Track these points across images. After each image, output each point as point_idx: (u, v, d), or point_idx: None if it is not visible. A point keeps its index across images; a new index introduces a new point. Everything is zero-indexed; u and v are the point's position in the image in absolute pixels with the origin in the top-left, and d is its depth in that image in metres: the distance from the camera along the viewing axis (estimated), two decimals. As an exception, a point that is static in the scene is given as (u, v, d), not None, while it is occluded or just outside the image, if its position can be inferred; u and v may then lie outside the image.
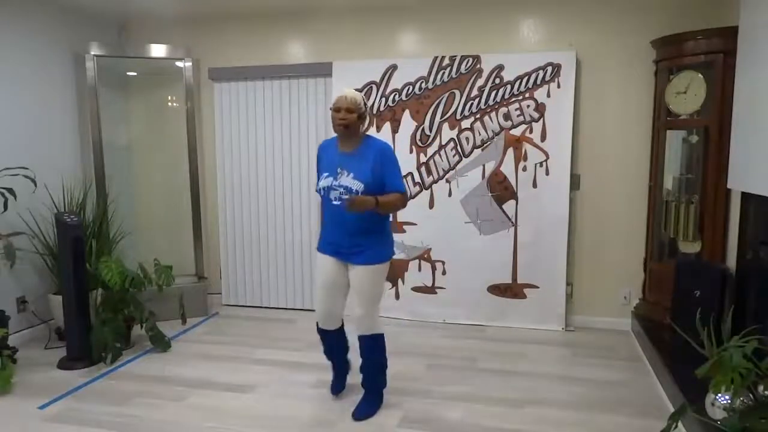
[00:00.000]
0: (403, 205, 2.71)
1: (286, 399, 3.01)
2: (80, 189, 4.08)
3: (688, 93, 3.45)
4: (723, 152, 3.24)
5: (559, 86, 3.91)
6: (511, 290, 4.14)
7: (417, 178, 4.23)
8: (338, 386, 3.02)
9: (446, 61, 4.08)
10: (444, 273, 4.25)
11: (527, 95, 3.97)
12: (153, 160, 4.77)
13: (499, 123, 4.04)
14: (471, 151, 4.10)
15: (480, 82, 4.03)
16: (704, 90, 3.38)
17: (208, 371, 3.39)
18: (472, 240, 4.14)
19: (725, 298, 3.19)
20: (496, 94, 4.02)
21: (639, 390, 3.08)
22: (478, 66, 4.03)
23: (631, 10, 3.82)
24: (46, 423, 2.77)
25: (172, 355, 3.68)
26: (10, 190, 3.36)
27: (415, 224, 4.25)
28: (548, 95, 3.93)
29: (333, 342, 2.92)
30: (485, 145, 4.07)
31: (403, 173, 4.16)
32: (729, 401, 2.08)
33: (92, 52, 4.15)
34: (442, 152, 4.15)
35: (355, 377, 2.96)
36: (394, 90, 4.19)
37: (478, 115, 4.06)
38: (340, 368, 3.01)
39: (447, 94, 4.10)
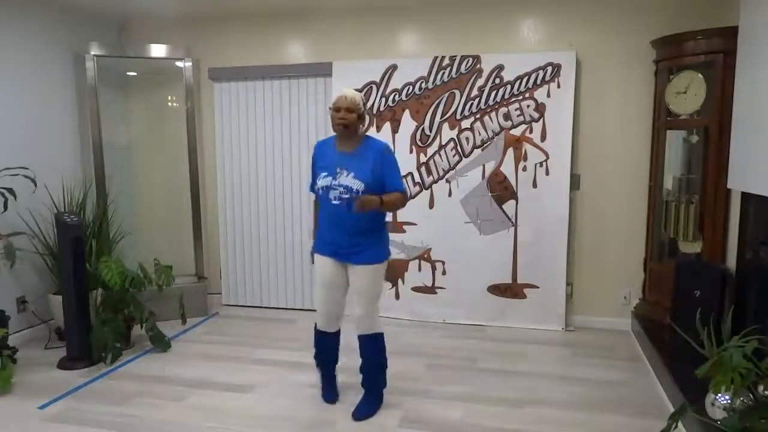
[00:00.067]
0: (403, 205, 2.73)
1: (286, 399, 3.01)
2: (80, 189, 4.08)
3: (688, 93, 3.45)
4: (723, 152, 3.24)
5: (559, 86, 3.91)
6: (511, 290, 4.14)
7: (417, 178, 4.23)
8: (332, 394, 2.97)
9: (446, 61, 4.08)
10: (444, 273, 4.25)
11: (527, 95, 3.97)
12: (153, 160, 4.77)
13: (499, 123, 4.04)
14: (471, 151, 4.10)
15: (480, 82, 4.03)
16: (704, 90, 3.38)
17: (208, 371, 3.39)
18: (472, 240, 4.14)
19: (725, 298, 3.19)
20: (496, 94, 4.02)
21: (639, 390, 3.08)
22: (478, 66, 4.03)
23: (631, 10, 3.82)
24: (46, 423, 2.77)
25: (172, 355, 3.68)
26: (10, 190, 3.36)
27: (415, 224, 4.25)
28: (548, 95, 3.93)
29: (330, 345, 2.91)
30: (485, 145, 4.07)
31: (403, 173, 4.17)
32: (729, 401, 2.08)
33: (92, 52, 4.15)
34: (442, 152, 4.15)
35: (355, 377, 2.96)
36: (394, 90, 4.19)
37: (478, 115, 4.07)
38: (331, 376, 3.00)
39: (447, 94, 4.10)
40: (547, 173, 3.99)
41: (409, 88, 4.17)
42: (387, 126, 4.23)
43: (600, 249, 4.07)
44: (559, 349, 3.74)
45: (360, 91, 4.21)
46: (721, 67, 3.26)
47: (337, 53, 4.31)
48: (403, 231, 4.26)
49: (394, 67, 4.17)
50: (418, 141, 4.19)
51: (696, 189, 3.53)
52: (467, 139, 4.10)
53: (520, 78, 3.96)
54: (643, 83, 3.84)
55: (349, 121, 2.59)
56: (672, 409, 2.64)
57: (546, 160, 3.98)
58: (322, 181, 2.63)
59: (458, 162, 4.13)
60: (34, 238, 3.77)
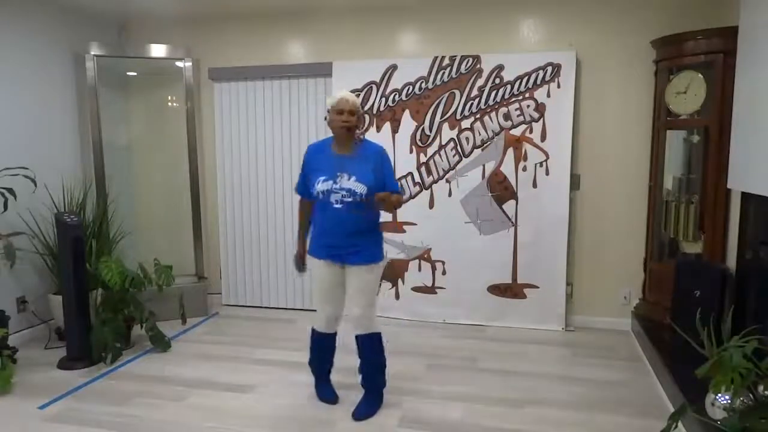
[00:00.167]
0: (400, 206, 2.96)
1: (286, 399, 3.01)
2: (80, 189, 4.08)
3: (688, 93, 3.45)
4: (723, 152, 3.24)
5: (559, 86, 3.91)
6: (511, 290, 4.14)
7: (417, 178, 4.23)
8: (331, 395, 2.96)
9: (446, 61, 4.08)
10: (444, 273, 4.25)
11: (527, 95, 3.97)
12: (153, 160, 4.77)
13: (499, 123, 4.04)
14: (471, 151, 4.10)
15: (480, 82, 4.03)
16: (704, 90, 3.38)
17: (208, 371, 3.39)
18: (472, 240, 4.14)
19: (725, 298, 3.19)
20: (496, 94, 4.02)
21: (639, 390, 3.08)
22: (478, 66, 4.03)
23: (631, 10, 3.82)
24: (46, 423, 2.77)
25: (172, 355, 3.68)
26: (10, 190, 3.36)
27: (415, 224, 4.25)
28: (548, 95, 3.93)
29: (328, 345, 2.92)
30: (485, 145, 4.07)
31: (403, 173, 4.24)
32: (729, 401, 2.08)
33: (92, 52, 4.15)
34: (442, 152, 4.15)
35: (354, 377, 2.96)
36: (394, 90, 4.19)
37: (478, 115, 4.07)
38: (327, 378, 3.00)
39: (447, 94, 4.10)
40: (547, 173, 3.99)
41: (409, 88, 4.17)
42: (387, 126, 4.23)
43: (600, 249, 4.07)
44: (559, 349, 3.74)
45: (360, 91, 4.21)
46: (721, 67, 3.26)
47: (337, 53, 4.31)
48: (403, 231, 4.26)
49: (394, 67, 4.17)
50: (418, 141, 4.19)
51: (696, 189, 3.53)
52: (467, 139, 4.10)
53: (520, 78, 3.96)
54: (643, 83, 3.84)
55: (352, 123, 2.61)
56: (672, 409, 2.64)
57: (546, 160, 3.98)
58: (322, 186, 2.62)
59: (458, 162, 4.13)
60: (34, 238, 3.77)
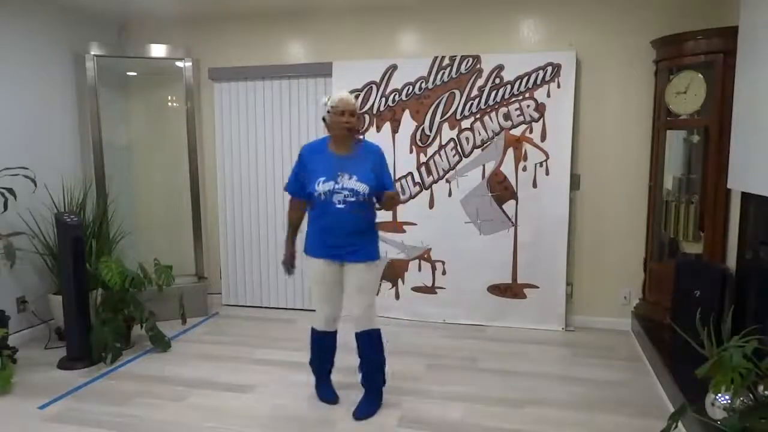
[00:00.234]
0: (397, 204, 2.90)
1: (286, 399, 3.01)
2: (80, 189, 4.08)
3: (688, 93, 3.45)
4: (723, 152, 3.24)
5: (559, 86, 3.91)
6: (511, 290, 4.14)
7: (417, 178, 4.22)
8: (332, 395, 2.96)
9: (446, 61, 4.08)
10: (444, 273, 4.25)
11: (527, 95, 3.97)
12: (153, 160, 4.77)
13: (499, 123, 4.04)
14: (471, 151, 4.10)
15: (480, 82, 4.03)
16: (704, 90, 3.38)
17: (208, 371, 3.39)
18: (472, 240, 4.14)
19: (725, 298, 3.19)
20: (496, 94, 4.02)
21: (639, 390, 3.08)
22: (478, 66, 4.03)
23: (631, 10, 3.82)
24: (46, 423, 2.77)
25: (172, 355, 3.68)
26: (10, 190, 3.36)
27: (415, 224, 4.25)
28: (548, 95, 3.93)
29: (329, 344, 2.92)
30: (485, 145, 4.07)
31: (403, 173, 4.25)
32: (729, 401, 2.08)
33: (92, 52, 4.15)
34: (442, 152, 4.15)
35: (354, 377, 2.96)
36: (394, 90, 4.19)
37: (478, 115, 4.06)
38: (328, 378, 3.00)
39: (447, 94, 4.10)
40: (547, 173, 3.99)
41: (409, 88, 4.17)
42: (387, 126, 4.23)
43: (600, 249, 4.07)
44: (559, 349, 3.74)
45: (360, 91, 4.22)
46: (721, 67, 3.26)
47: (337, 53, 4.31)
48: (403, 231, 4.26)
49: (394, 67, 4.17)
50: (418, 141, 4.19)
51: (696, 189, 3.53)
52: (467, 139, 4.10)
53: (520, 78, 3.96)
54: (643, 83, 3.84)
55: (353, 124, 2.63)
56: (672, 409, 2.64)
57: (546, 160, 3.98)
58: (324, 186, 2.63)
59: (458, 162, 4.13)
60: (34, 238, 3.77)
